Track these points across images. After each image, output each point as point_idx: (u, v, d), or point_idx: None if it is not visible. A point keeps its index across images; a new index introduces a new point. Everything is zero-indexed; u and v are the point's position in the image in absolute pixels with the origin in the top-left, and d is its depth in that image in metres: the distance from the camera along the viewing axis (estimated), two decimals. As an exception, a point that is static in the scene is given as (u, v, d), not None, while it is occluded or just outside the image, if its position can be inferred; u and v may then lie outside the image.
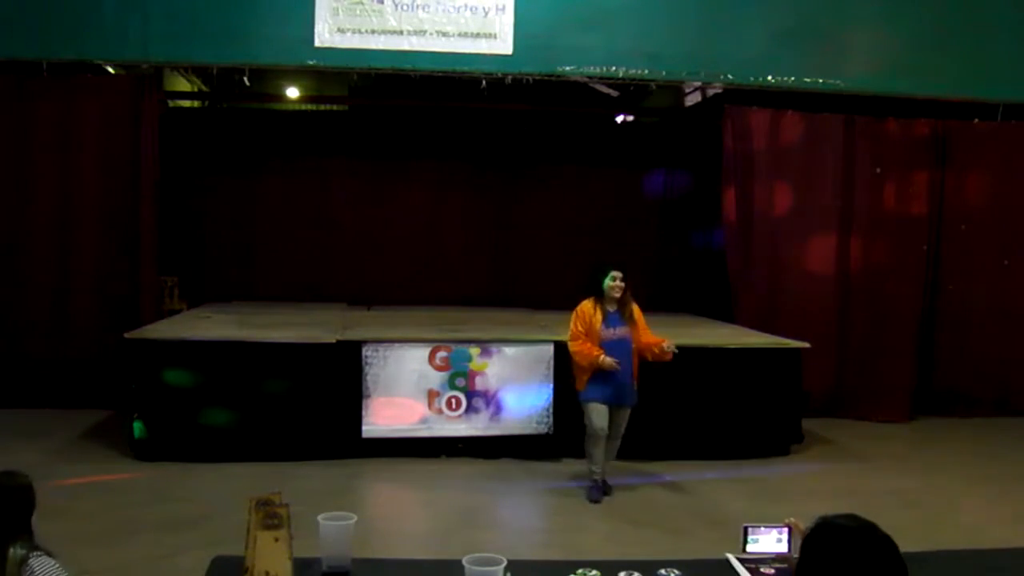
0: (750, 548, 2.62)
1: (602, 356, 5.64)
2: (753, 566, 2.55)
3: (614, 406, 5.77)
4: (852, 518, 1.70)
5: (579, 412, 5.87)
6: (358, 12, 7.59)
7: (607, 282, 5.76)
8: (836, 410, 8.71)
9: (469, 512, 5.64)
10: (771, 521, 2.69)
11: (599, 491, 5.86)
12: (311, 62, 7.73)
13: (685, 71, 8.21)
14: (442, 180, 10.37)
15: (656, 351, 5.81)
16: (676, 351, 5.80)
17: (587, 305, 5.81)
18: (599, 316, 5.75)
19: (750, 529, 2.64)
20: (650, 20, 7.92)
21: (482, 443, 6.85)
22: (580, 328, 5.76)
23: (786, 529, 2.58)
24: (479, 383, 6.87)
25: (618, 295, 5.79)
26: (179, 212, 9.35)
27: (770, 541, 2.62)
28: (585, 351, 5.70)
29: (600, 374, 5.70)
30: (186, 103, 11.45)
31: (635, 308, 5.89)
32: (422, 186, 10.35)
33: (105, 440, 6.96)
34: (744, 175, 8.72)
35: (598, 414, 5.72)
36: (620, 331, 5.76)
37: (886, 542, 1.65)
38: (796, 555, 1.84)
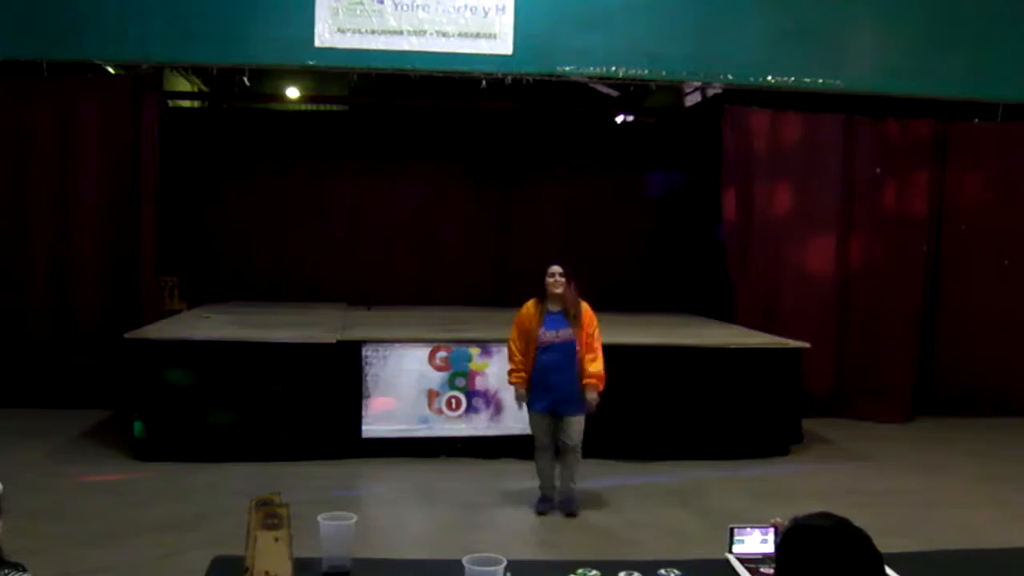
0: (736, 549, 2.61)
1: (518, 389, 5.36)
2: (753, 566, 2.55)
3: (556, 417, 5.39)
4: (825, 517, 1.70)
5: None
6: (358, 12, 7.59)
7: (546, 279, 5.35)
8: (836, 410, 8.71)
9: (469, 512, 5.64)
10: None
11: (546, 503, 5.55)
12: (311, 62, 7.74)
13: (685, 71, 8.22)
14: (442, 180, 10.37)
15: (585, 384, 5.31)
16: (594, 411, 5.38)
17: (527, 307, 5.45)
18: (538, 318, 5.33)
19: (736, 530, 2.63)
20: (650, 20, 7.92)
21: (482, 443, 6.85)
22: (514, 336, 5.41)
23: (771, 529, 2.58)
24: (479, 383, 6.87)
25: (559, 291, 5.31)
26: (179, 212, 9.34)
27: (755, 542, 2.62)
28: (511, 372, 5.40)
29: (540, 381, 5.32)
30: (186, 103, 11.45)
31: (585, 310, 5.39)
32: (422, 186, 10.35)
33: (105, 440, 6.96)
34: (744, 175, 8.71)
35: (537, 425, 5.44)
36: (564, 333, 5.29)
37: (860, 537, 1.65)
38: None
